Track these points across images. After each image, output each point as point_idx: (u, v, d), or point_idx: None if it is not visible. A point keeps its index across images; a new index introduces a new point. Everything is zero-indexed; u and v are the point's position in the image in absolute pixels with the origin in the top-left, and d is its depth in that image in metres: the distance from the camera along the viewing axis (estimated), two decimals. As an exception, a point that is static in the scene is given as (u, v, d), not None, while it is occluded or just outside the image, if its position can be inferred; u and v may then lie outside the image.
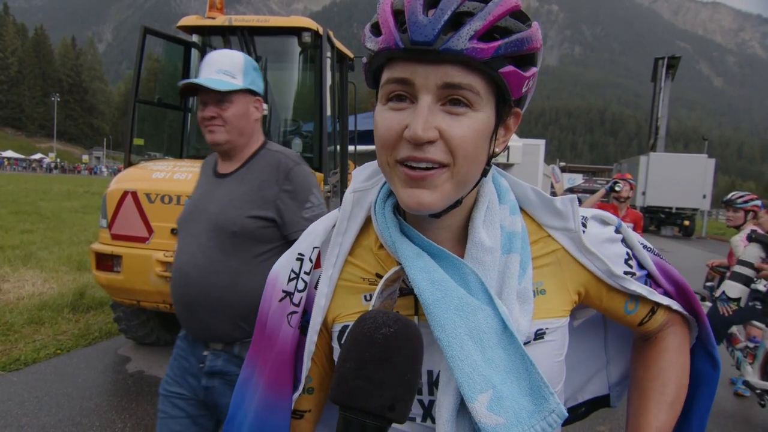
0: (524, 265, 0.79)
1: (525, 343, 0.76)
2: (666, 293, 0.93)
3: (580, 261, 0.84)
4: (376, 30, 0.71)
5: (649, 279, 0.92)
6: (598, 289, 0.87)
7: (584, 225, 0.85)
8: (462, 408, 0.73)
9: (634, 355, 1.02)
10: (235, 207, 1.76)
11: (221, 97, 1.77)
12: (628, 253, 0.90)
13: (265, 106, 1.92)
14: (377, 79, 0.74)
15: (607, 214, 0.91)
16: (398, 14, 0.69)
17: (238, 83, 1.79)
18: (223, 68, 1.79)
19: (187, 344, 1.88)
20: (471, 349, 0.71)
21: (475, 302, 0.73)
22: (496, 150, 0.76)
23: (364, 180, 0.87)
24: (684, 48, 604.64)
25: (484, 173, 0.76)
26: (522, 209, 0.85)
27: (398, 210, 0.82)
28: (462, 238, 0.81)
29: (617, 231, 0.90)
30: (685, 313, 0.96)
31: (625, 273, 0.87)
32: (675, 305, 0.93)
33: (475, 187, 0.77)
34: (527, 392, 0.72)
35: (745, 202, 4.65)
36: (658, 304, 0.92)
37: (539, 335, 0.79)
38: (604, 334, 1.07)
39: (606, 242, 0.87)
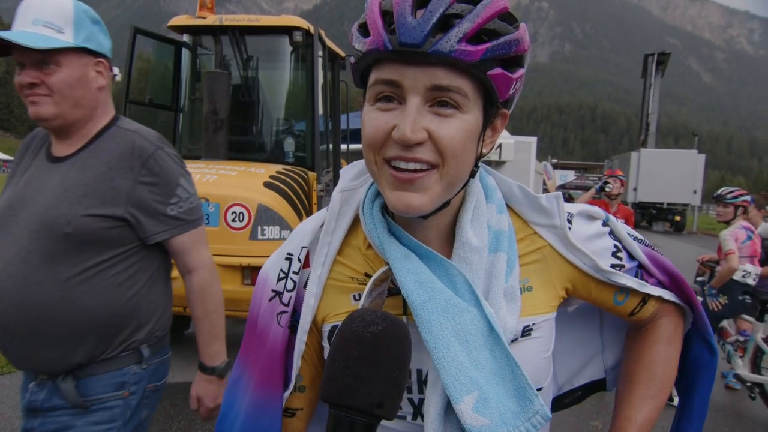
0: (511, 263, 0.79)
1: (512, 341, 0.77)
2: (660, 283, 0.94)
3: (566, 257, 0.84)
4: (364, 30, 0.71)
5: (641, 270, 0.92)
6: (586, 284, 0.88)
7: (570, 222, 0.86)
8: (449, 407, 0.74)
9: (627, 344, 1.03)
10: (72, 201, 1.38)
11: (43, 58, 1.35)
12: (616, 246, 0.90)
13: (116, 70, 1.61)
14: (365, 79, 0.74)
15: (594, 209, 0.91)
16: (386, 15, 0.68)
17: (67, 39, 1.37)
18: (44, 18, 1.35)
19: (24, 376, 1.51)
20: (457, 351, 0.72)
21: (462, 304, 0.74)
22: (484, 151, 0.76)
23: (352, 179, 0.87)
24: (673, 44, 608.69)
25: (473, 174, 0.77)
26: (509, 207, 0.86)
27: (386, 210, 0.82)
28: (449, 237, 0.81)
29: (605, 224, 0.91)
30: (678, 302, 0.96)
31: (613, 266, 0.87)
32: (667, 295, 0.93)
33: (463, 187, 0.77)
34: (512, 394, 0.73)
35: (735, 197, 4.70)
36: (649, 295, 0.92)
37: (526, 332, 0.80)
38: (600, 319, 1.08)
39: (593, 237, 0.88)
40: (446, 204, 0.75)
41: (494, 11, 0.68)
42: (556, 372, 1.06)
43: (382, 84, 0.69)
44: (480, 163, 0.84)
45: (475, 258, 0.77)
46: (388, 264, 0.77)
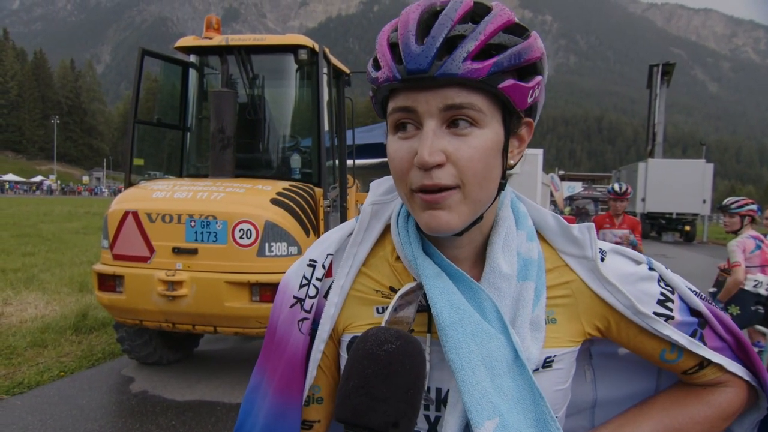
0: (538, 293, 0.79)
1: (534, 371, 0.77)
2: (728, 347, 0.87)
3: (597, 293, 0.82)
4: (376, 64, 0.74)
5: (703, 329, 0.85)
6: (625, 327, 0.84)
7: (603, 256, 0.84)
8: (467, 429, 0.74)
9: (675, 384, 0.93)
10: None
11: None
12: (664, 294, 0.84)
13: None
14: (385, 110, 0.76)
15: (633, 252, 0.87)
16: (395, 47, 0.71)
17: None
18: None
19: None
20: (482, 375, 0.72)
21: (490, 329, 0.74)
22: (511, 162, 0.77)
23: (383, 194, 0.88)
24: (678, 54, 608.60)
25: (502, 187, 0.77)
26: (540, 235, 0.85)
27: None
28: (479, 259, 0.82)
29: (650, 269, 0.86)
30: (749, 379, 0.87)
31: (657, 314, 0.82)
32: (731, 365, 0.85)
33: (494, 201, 0.77)
34: (532, 423, 0.72)
35: (740, 207, 4.66)
36: (709, 361, 0.84)
37: (548, 363, 0.79)
38: (657, 372, 0.98)
39: (632, 278, 0.84)
40: (479, 219, 0.76)
41: (498, 26, 0.69)
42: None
43: (398, 112, 0.71)
44: (514, 191, 0.85)
45: (504, 285, 0.77)
46: (417, 280, 0.78)
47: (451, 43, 0.68)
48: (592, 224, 0.85)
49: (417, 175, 0.70)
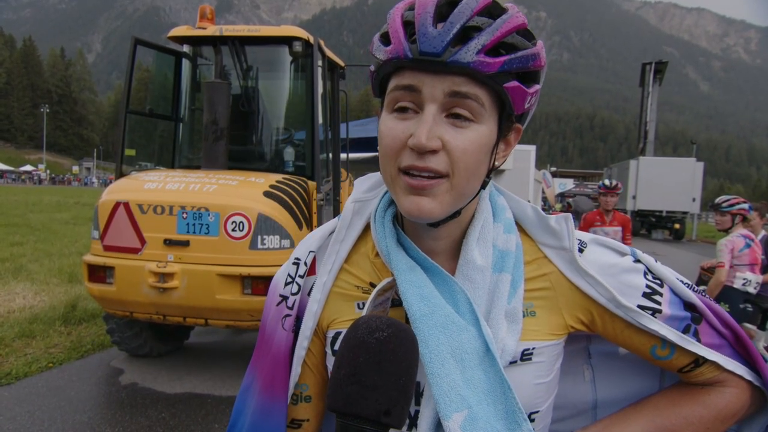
0: (515, 284, 0.78)
1: (511, 363, 0.76)
2: (728, 344, 0.84)
3: (576, 284, 0.80)
4: (385, 40, 0.73)
5: (697, 325, 0.82)
6: (610, 321, 0.81)
7: (582, 249, 0.82)
8: (441, 423, 0.73)
9: (672, 385, 0.90)
10: None
11: None
12: (651, 287, 0.81)
13: None
14: (383, 87, 0.76)
15: (617, 243, 0.85)
16: (408, 25, 0.71)
17: None
18: None
19: None
20: (451, 368, 0.72)
21: (461, 322, 0.74)
22: (496, 163, 0.77)
23: (366, 191, 0.89)
24: (670, 53, 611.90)
25: (483, 185, 0.77)
26: (521, 228, 0.85)
27: (397, 220, 0.84)
28: (456, 252, 0.81)
29: (636, 261, 0.83)
30: (749, 378, 0.83)
31: (642, 307, 0.79)
32: (728, 363, 0.82)
33: (473, 198, 0.77)
34: (502, 416, 0.72)
35: (731, 205, 4.70)
36: (704, 358, 0.81)
37: (526, 356, 0.78)
38: (660, 372, 0.94)
39: (613, 269, 0.81)
40: (457, 213, 0.76)
41: (513, 26, 0.70)
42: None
43: (401, 90, 0.71)
44: (493, 183, 0.85)
45: (479, 277, 0.77)
46: (393, 275, 0.78)
47: (466, 33, 0.68)
48: (569, 215, 0.84)
49: (409, 155, 0.70)
